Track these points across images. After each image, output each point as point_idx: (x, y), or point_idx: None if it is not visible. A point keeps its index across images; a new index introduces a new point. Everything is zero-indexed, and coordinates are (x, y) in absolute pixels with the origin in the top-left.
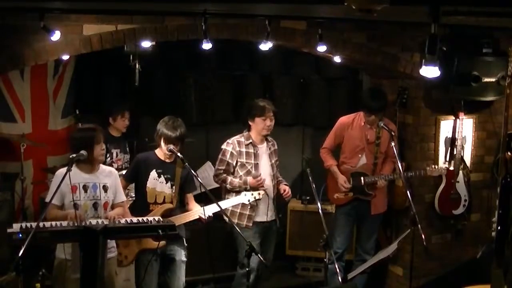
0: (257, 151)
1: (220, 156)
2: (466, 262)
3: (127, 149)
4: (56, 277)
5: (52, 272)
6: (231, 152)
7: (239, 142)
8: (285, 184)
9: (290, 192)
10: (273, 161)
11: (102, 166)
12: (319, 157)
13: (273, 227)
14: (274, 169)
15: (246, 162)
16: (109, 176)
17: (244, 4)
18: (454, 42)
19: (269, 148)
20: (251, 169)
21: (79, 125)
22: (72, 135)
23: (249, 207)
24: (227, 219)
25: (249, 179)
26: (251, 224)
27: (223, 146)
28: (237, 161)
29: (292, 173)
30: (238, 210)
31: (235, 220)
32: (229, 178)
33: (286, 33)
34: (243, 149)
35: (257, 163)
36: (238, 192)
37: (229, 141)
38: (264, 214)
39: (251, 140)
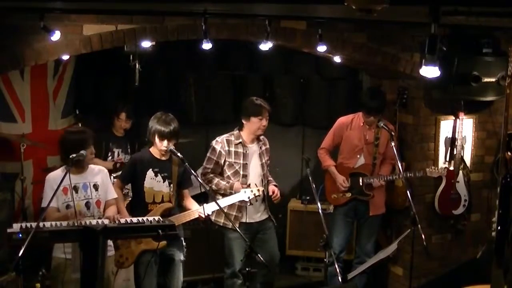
0: (246, 151)
1: (208, 155)
2: (466, 262)
3: (129, 149)
4: (54, 277)
5: (50, 272)
6: (219, 151)
7: (228, 141)
8: (274, 185)
9: (278, 194)
10: (263, 161)
11: (90, 166)
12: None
13: (268, 224)
14: (265, 169)
15: (235, 162)
16: (99, 174)
17: (244, 4)
18: (454, 42)
19: (260, 148)
20: (239, 169)
21: (78, 125)
22: (64, 137)
23: (236, 207)
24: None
25: (236, 184)
26: (237, 225)
27: (212, 144)
28: (225, 161)
29: (292, 173)
30: (225, 210)
31: (221, 220)
32: (216, 180)
33: (286, 33)
34: (232, 149)
35: (246, 163)
36: (223, 195)
37: (218, 139)
38: (254, 215)
39: (241, 140)
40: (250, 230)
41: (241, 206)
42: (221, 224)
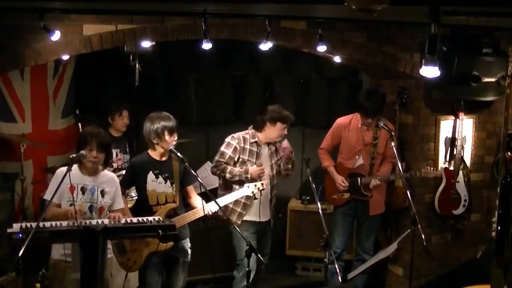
0: (260, 151)
1: (222, 149)
2: (466, 262)
3: (127, 149)
4: (53, 278)
5: (48, 272)
6: (235, 146)
7: (244, 139)
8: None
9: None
10: (273, 162)
11: (104, 171)
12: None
13: (269, 226)
14: (274, 170)
15: (248, 160)
16: (110, 182)
17: (244, 4)
18: (454, 42)
19: (270, 149)
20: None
21: (78, 125)
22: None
23: (241, 204)
24: (225, 218)
25: (251, 168)
26: (239, 222)
27: (228, 140)
28: (239, 157)
29: (292, 173)
30: (231, 206)
31: (234, 219)
32: (229, 167)
33: (286, 33)
34: (247, 146)
35: None
36: (238, 182)
37: (235, 135)
38: (258, 214)
39: (256, 139)
40: (257, 229)
41: (246, 203)
42: (234, 224)
